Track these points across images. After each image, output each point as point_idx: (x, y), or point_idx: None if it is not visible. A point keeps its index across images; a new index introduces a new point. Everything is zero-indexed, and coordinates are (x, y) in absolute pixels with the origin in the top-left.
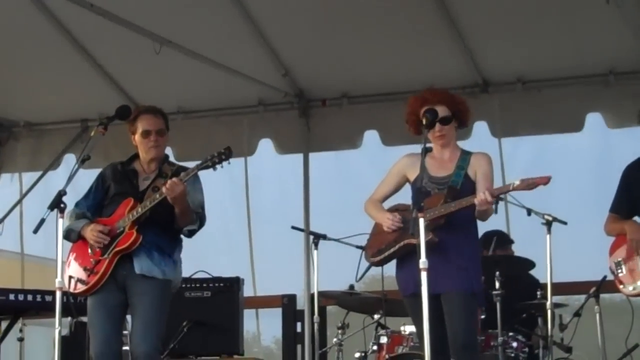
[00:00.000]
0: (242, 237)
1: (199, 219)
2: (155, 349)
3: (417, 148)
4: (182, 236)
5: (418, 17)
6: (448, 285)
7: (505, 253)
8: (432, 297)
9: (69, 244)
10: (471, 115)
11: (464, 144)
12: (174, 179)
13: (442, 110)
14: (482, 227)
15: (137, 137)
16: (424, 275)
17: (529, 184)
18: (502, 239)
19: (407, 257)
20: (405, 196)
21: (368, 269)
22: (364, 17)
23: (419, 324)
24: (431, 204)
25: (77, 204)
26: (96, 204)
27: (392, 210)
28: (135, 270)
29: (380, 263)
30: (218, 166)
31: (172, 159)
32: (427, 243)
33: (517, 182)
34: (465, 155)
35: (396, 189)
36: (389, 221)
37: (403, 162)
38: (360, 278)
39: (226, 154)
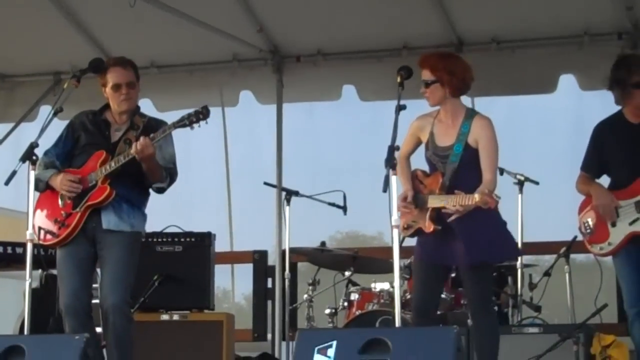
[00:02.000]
0: (220, 192)
1: (170, 175)
2: (124, 301)
3: (392, 104)
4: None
5: None
6: (459, 259)
7: None
8: (438, 266)
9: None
10: (456, 84)
11: None
12: (145, 139)
13: (424, 74)
14: None
15: (108, 90)
16: (395, 232)
17: (484, 203)
18: None
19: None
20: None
21: (403, 239)
22: None
23: (416, 289)
24: (430, 185)
25: (46, 153)
26: (66, 153)
27: (412, 176)
28: (103, 225)
29: (412, 236)
30: (195, 125)
31: (152, 110)
32: (432, 231)
33: (477, 197)
34: (468, 119)
35: (415, 148)
36: (398, 205)
37: (415, 125)
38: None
39: (203, 114)
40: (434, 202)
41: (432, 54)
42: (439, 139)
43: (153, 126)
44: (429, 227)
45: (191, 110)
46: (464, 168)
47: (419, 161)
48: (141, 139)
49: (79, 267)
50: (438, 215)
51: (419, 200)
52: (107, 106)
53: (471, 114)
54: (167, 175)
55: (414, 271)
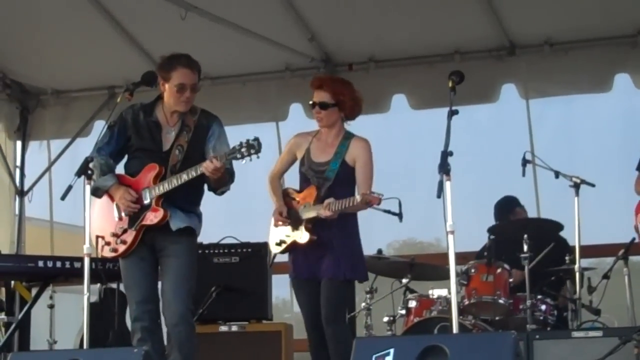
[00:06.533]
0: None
1: (230, 176)
2: (187, 307)
3: (444, 112)
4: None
5: None
6: (325, 272)
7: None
8: (312, 281)
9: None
10: (356, 110)
11: (492, 107)
12: (216, 163)
13: (322, 96)
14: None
15: (170, 87)
16: (450, 238)
17: (367, 201)
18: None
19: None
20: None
21: (274, 257)
22: None
23: (301, 306)
24: (305, 198)
25: (98, 150)
26: (118, 150)
27: (284, 194)
28: (172, 228)
29: (284, 252)
30: (247, 159)
31: None
32: (308, 242)
33: (358, 198)
34: (346, 140)
35: (289, 166)
36: (275, 219)
37: (293, 141)
38: (271, 265)
39: (255, 147)
40: (309, 213)
41: (331, 78)
42: (314, 155)
43: (204, 125)
44: (304, 238)
45: (243, 141)
46: (338, 183)
47: None
48: (208, 163)
49: (144, 275)
50: (314, 226)
51: (291, 215)
52: (157, 99)
53: (349, 135)
54: (229, 179)
55: (294, 289)
